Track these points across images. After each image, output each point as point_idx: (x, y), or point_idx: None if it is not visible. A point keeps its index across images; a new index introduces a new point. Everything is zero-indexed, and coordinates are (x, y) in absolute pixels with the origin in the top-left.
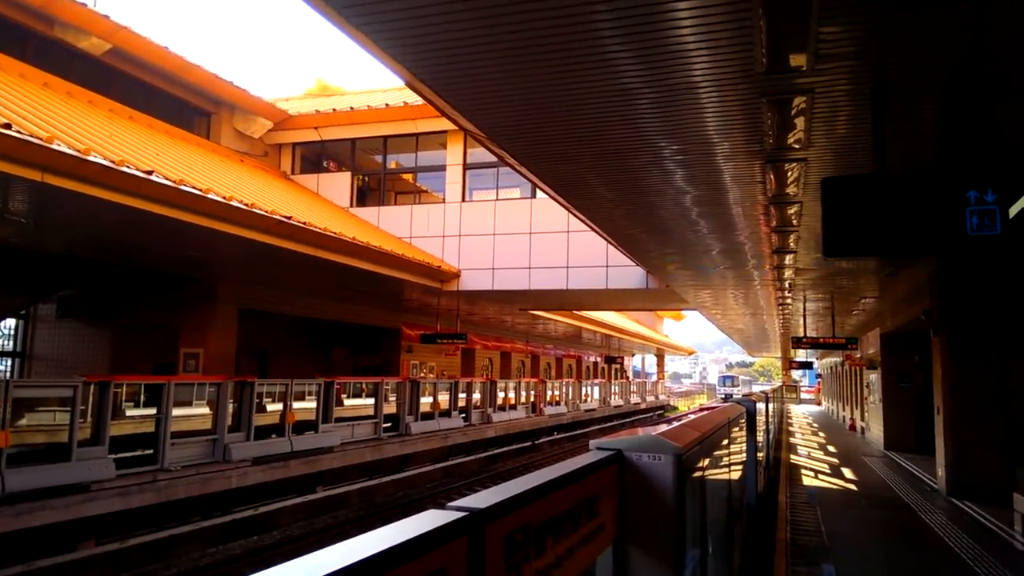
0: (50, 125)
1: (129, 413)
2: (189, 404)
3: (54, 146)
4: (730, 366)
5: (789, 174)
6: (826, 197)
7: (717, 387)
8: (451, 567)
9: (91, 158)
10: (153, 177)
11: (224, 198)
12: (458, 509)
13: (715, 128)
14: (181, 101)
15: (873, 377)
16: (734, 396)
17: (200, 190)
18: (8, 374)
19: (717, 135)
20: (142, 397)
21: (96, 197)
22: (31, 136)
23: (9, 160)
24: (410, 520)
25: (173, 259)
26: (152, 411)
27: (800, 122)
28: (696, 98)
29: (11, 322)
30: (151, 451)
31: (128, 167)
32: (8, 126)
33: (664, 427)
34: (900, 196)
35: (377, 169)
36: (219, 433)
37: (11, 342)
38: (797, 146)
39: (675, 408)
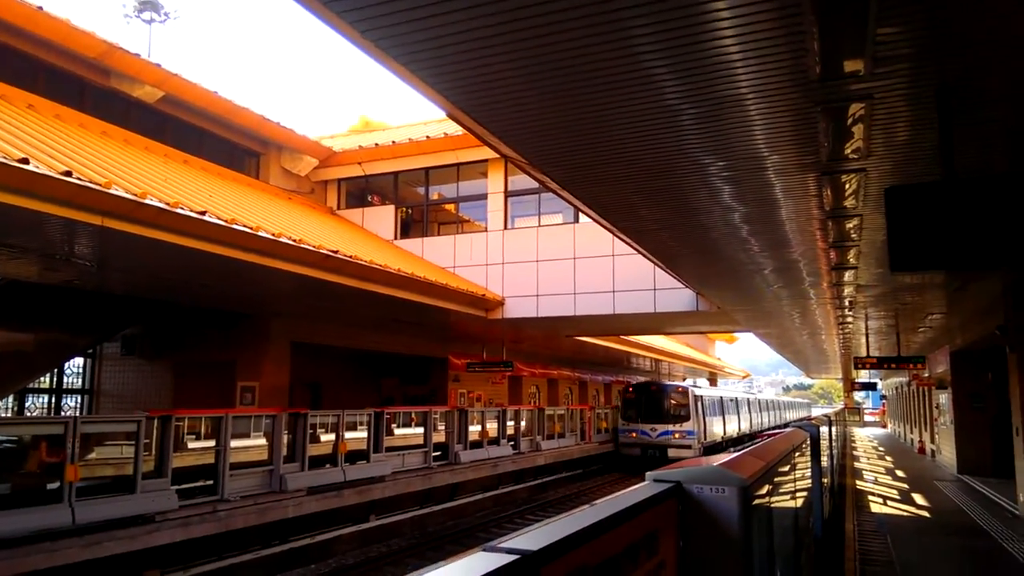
0: (108, 171)
1: (191, 445)
2: (247, 436)
3: (112, 191)
4: (787, 389)
5: (847, 186)
6: (890, 208)
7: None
8: None
9: (148, 201)
10: (206, 217)
11: (273, 235)
12: (508, 551)
13: (764, 141)
14: (231, 143)
15: (943, 397)
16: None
17: (251, 228)
18: (77, 410)
19: (767, 148)
20: (202, 430)
21: (153, 238)
22: (90, 182)
23: (71, 206)
24: (455, 566)
25: (228, 297)
26: (212, 443)
27: (858, 130)
28: (743, 111)
29: (79, 361)
30: (211, 482)
31: (182, 208)
32: (69, 173)
33: (725, 457)
34: (971, 204)
35: (419, 201)
36: (275, 464)
37: (79, 380)
38: (855, 156)
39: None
